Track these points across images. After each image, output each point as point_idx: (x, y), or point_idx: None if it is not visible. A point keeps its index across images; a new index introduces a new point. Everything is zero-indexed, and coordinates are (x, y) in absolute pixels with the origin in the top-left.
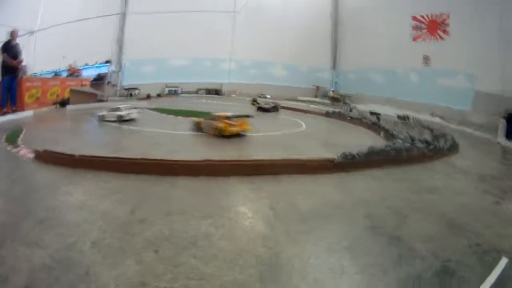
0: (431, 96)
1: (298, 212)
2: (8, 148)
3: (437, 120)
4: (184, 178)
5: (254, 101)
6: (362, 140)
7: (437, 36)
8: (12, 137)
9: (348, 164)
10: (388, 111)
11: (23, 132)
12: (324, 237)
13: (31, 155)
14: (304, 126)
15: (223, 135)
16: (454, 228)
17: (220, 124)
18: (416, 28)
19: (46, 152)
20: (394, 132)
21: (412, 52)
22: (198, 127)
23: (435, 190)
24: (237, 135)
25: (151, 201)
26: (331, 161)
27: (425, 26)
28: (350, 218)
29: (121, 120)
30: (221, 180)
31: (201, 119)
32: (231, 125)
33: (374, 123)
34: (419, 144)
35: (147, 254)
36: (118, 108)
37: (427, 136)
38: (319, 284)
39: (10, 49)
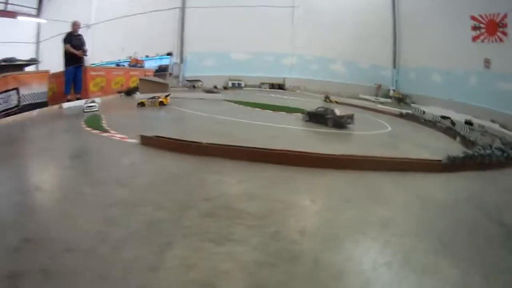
0: (491, 101)
1: None
2: (96, 132)
3: (496, 127)
4: (324, 170)
5: (327, 98)
6: (444, 144)
7: (497, 37)
8: (92, 122)
9: (452, 165)
10: (450, 115)
11: (102, 118)
12: None
13: (133, 141)
14: (389, 127)
15: (163, 104)
16: None
17: (161, 99)
18: (475, 28)
19: (147, 138)
20: (471, 139)
21: (471, 53)
22: (141, 104)
23: None
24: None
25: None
26: (439, 161)
27: (484, 27)
28: None
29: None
30: (356, 174)
31: (145, 100)
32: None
33: (449, 128)
34: (497, 152)
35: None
36: None
37: (498, 143)
38: None
39: (73, 39)
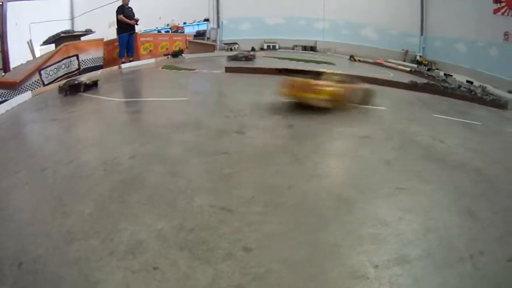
0: (510, 73)
1: None
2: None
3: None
4: None
5: (351, 57)
6: None
7: None
8: (171, 68)
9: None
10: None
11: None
12: None
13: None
14: None
15: None
16: None
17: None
18: (496, 1)
19: (229, 68)
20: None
21: (492, 25)
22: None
23: None
24: None
25: None
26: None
27: (504, 0)
28: None
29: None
30: None
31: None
32: None
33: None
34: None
35: None
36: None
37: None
38: None
39: (125, 10)
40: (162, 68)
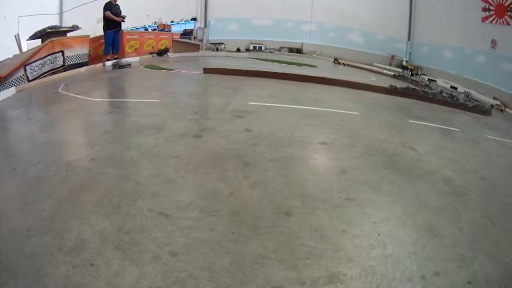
0: (495, 79)
1: None
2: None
3: (497, 103)
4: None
5: (335, 60)
6: None
7: (504, 20)
8: (152, 67)
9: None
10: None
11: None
12: None
13: (197, 72)
14: None
15: None
16: None
17: None
18: (484, 9)
19: (207, 69)
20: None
21: (479, 33)
22: None
23: None
24: None
25: None
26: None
27: (493, 9)
28: None
29: None
30: None
31: None
32: None
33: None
34: (445, 94)
35: None
36: None
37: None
38: None
39: (113, 7)
40: (144, 67)
